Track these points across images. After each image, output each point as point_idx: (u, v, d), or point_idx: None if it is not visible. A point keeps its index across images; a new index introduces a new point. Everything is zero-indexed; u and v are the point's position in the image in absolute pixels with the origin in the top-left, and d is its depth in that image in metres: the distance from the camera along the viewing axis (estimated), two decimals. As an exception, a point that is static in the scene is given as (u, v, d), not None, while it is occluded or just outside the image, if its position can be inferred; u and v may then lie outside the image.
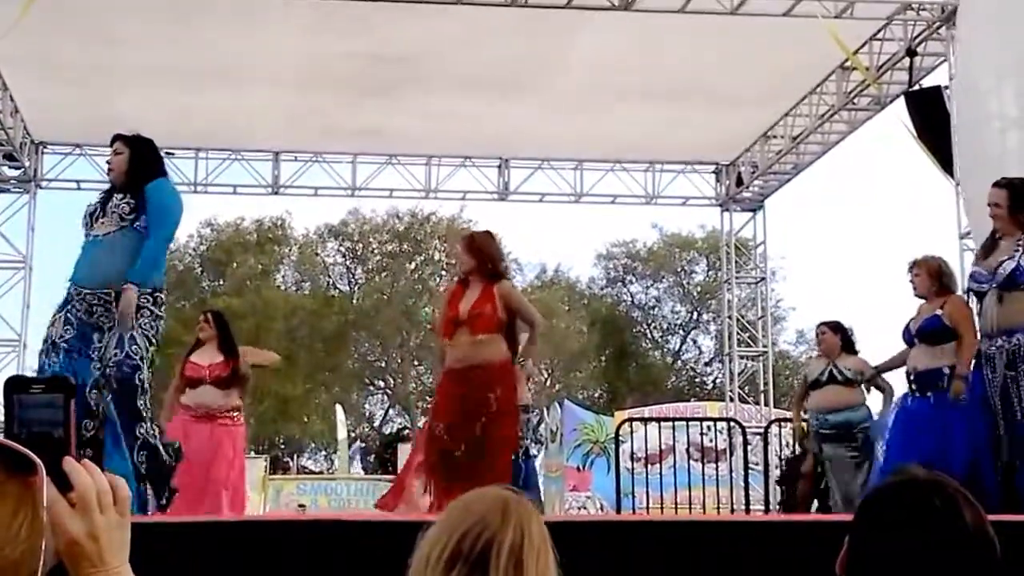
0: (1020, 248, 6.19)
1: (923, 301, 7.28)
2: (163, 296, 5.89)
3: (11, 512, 1.24)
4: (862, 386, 8.94)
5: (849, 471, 8.66)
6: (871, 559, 1.88)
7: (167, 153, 14.84)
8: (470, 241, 7.04)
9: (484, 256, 6.86)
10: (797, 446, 9.68)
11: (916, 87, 12.00)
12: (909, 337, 7.21)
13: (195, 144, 14.81)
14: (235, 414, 8.17)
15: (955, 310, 6.97)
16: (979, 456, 6.34)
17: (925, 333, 7.02)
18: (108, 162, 6.23)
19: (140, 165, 5.97)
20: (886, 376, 8.51)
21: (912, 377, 7.09)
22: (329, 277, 34.28)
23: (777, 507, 10.89)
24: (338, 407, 26.32)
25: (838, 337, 9.08)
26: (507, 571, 1.67)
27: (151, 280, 5.75)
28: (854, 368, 8.89)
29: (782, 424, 14.64)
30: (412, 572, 1.72)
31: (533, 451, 8.53)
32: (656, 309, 35.49)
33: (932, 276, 7.19)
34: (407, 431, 30.80)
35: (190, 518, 4.80)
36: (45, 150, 15.03)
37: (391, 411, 34.76)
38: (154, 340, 5.69)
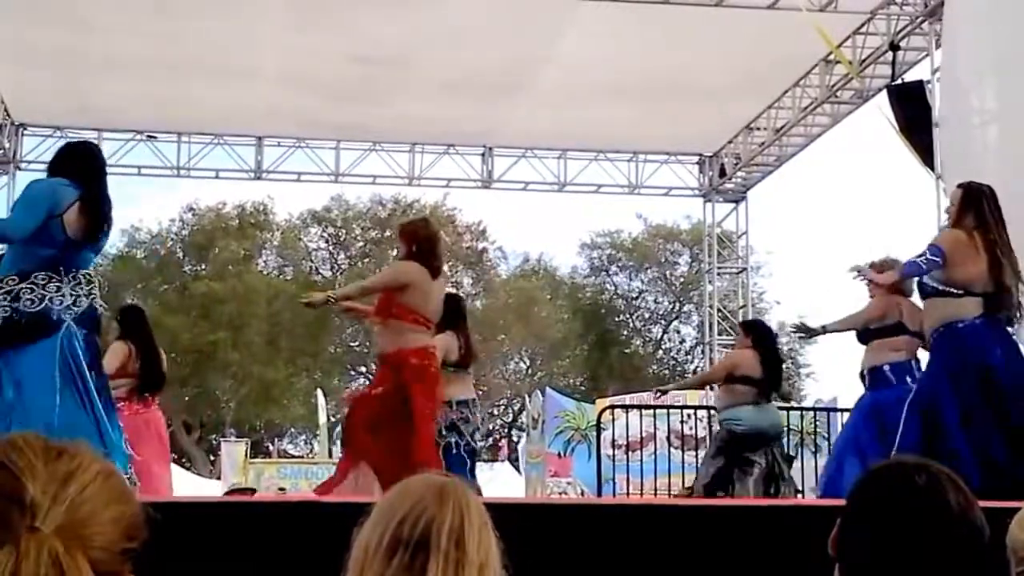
0: None
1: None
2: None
3: None
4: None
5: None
6: (860, 541, 1.92)
7: (149, 137, 15.00)
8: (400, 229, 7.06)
9: (406, 241, 6.82)
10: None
11: (899, 81, 12.07)
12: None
13: (177, 128, 14.80)
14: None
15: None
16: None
17: None
18: None
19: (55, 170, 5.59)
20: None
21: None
22: (312, 263, 34.26)
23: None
24: (319, 392, 26.32)
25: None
26: (448, 552, 1.66)
27: None
28: None
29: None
30: (352, 562, 1.71)
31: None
32: (639, 299, 35.57)
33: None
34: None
35: (165, 498, 4.83)
36: (25, 132, 14.98)
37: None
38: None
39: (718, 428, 9.12)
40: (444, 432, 7.94)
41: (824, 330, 7.82)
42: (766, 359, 8.62)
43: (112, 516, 1.40)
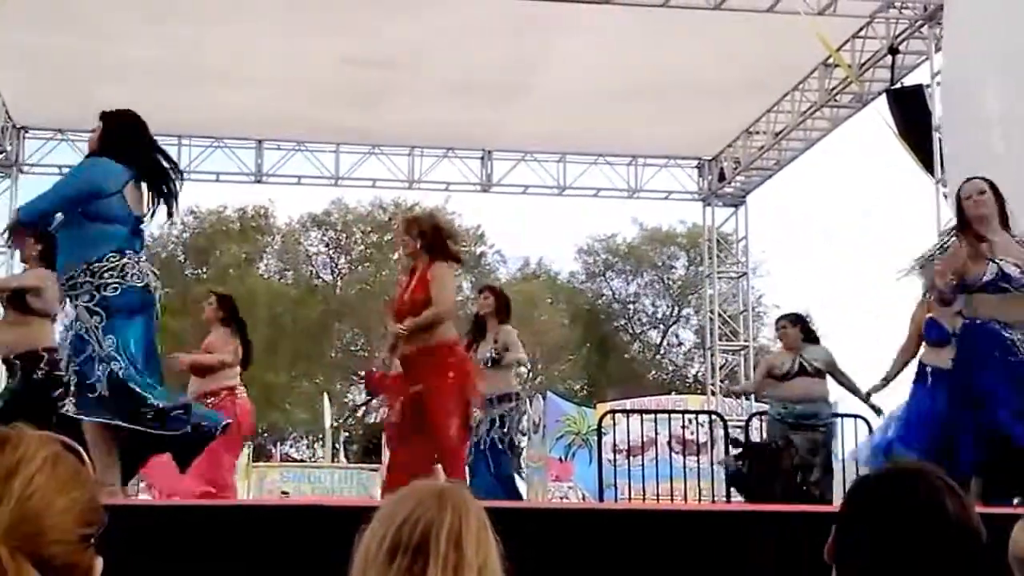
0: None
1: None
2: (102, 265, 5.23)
3: None
4: (827, 377, 9.08)
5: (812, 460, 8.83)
6: (856, 548, 1.92)
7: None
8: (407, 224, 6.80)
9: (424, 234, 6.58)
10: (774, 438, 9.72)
11: (898, 85, 12.09)
12: (943, 333, 7.24)
13: (178, 131, 14.80)
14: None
15: None
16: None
17: None
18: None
19: (106, 142, 5.49)
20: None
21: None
22: (312, 267, 34.26)
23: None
24: (325, 396, 26.33)
25: (798, 329, 9.19)
26: (447, 556, 1.67)
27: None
28: (821, 359, 9.00)
29: (763, 418, 14.76)
30: (354, 567, 1.72)
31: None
32: (637, 303, 35.57)
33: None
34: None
35: (169, 502, 4.85)
36: (27, 135, 15.01)
37: (374, 401, 34.72)
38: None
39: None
40: (489, 428, 8.02)
41: (887, 382, 8.11)
42: None
43: (65, 504, 1.36)
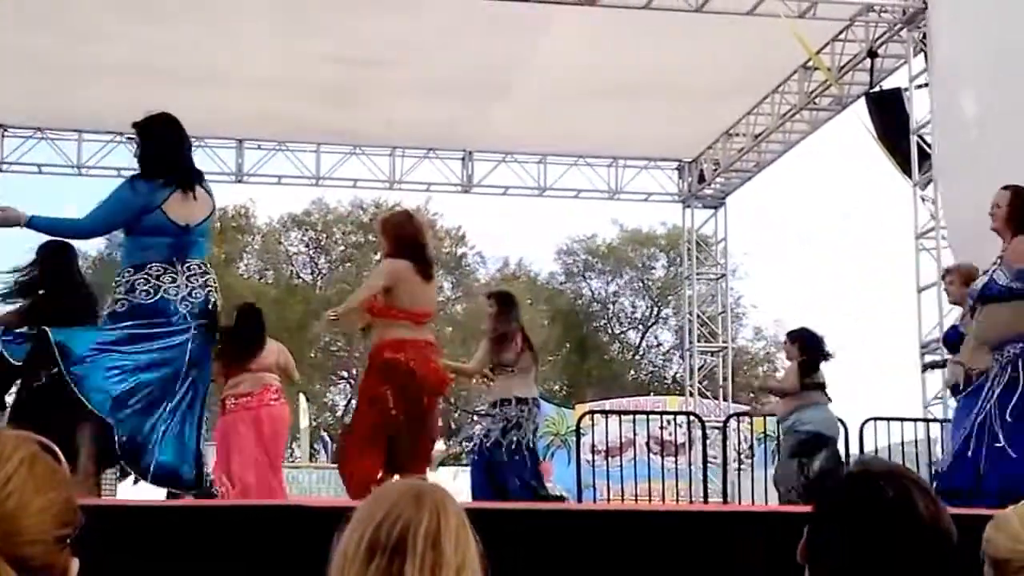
0: (998, 261, 6.15)
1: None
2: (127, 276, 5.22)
3: None
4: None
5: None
6: (827, 548, 1.93)
7: (129, 139, 14.90)
8: (382, 224, 6.83)
9: (389, 238, 6.61)
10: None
11: (877, 88, 12.16)
12: (956, 336, 7.26)
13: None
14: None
15: None
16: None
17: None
18: None
19: (141, 159, 5.45)
20: None
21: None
22: (292, 266, 34.19)
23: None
24: (301, 396, 26.29)
25: (796, 347, 9.14)
26: (425, 556, 1.66)
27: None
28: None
29: (740, 419, 14.83)
30: (332, 567, 1.71)
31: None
32: (616, 304, 35.63)
33: (967, 283, 7.00)
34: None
35: (147, 502, 4.84)
36: (7, 133, 14.94)
37: (354, 401, 34.70)
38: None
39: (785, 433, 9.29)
40: (505, 431, 7.99)
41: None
42: (809, 367, 8.91)
43: (42, 505, 1.36)
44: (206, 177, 5.56)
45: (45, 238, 5.77)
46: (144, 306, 5.07)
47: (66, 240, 5.94)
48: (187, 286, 5.16)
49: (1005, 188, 6.18)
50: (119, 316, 5.09)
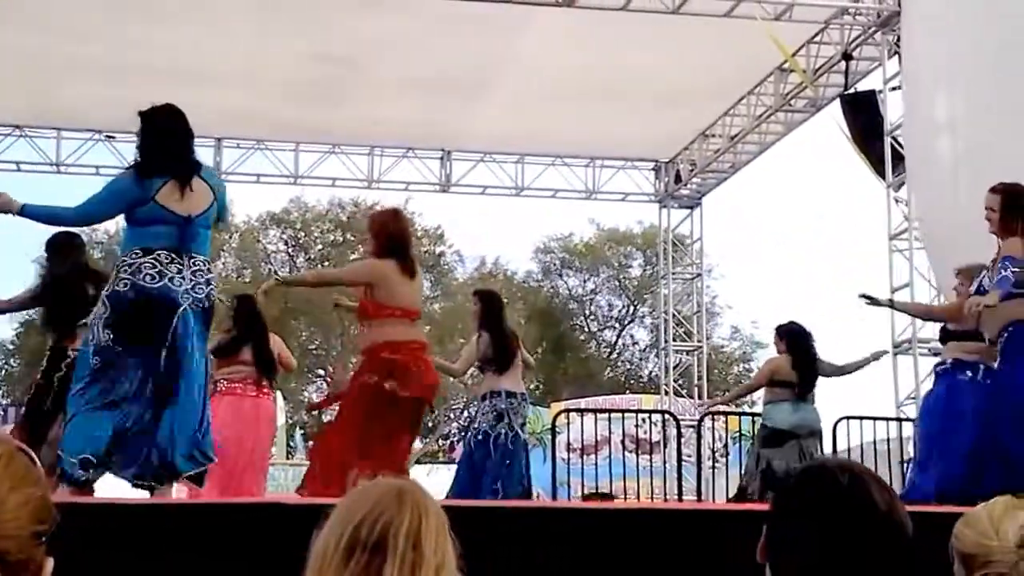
0: (993, 263, 6.18)
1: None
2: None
3: None
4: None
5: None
6: (786, 544, 1.92)
7: (108, 137, 14.90)
8: (370, 221, 6.79)
9: (375, 236, 6.53)
10: None
11: (851, 91, 12.26)
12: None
13: (136, 129, 14.69)
14: None
15: None
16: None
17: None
18: None
19: (140, 149, 5.56)
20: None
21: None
22: (270, 265, 34.10)
23: None
24: (278, 393, 26.24)
25: (784, 343, 9.21)
26: (405, 555, 1.65)
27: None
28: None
29: (715, 417, 14.91)
30: (311, 565, 1.70)
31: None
32: (592, 303, 35.69)
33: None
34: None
35: (128, 500, 4.85)
36: (-16, 131, 14.89)
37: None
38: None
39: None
40: (493, 422, 8.09)
41: (892, 304, 8.47)
42: (799, 363, 8.96)
43: (19, 501, 1.37)
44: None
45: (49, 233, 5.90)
46: (147, 289, 5.07)
47: (71, 230, 6.06)
48: (192, 280, 5.17)
49: (993, 190, 6.23)
50: (122, 301, 5.08)
